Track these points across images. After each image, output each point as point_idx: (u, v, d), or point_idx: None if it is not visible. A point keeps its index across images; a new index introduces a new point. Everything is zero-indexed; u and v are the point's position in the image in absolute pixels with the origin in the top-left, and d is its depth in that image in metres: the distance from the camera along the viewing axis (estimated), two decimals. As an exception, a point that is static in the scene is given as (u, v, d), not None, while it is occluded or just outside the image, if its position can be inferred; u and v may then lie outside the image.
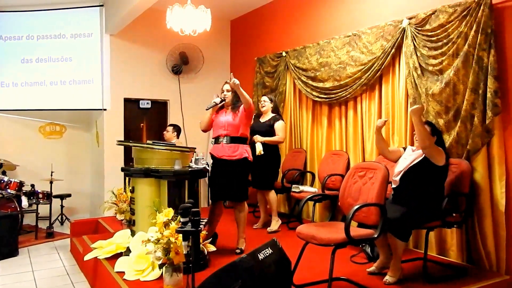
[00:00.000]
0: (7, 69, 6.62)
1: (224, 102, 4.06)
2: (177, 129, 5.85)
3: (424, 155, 3.34)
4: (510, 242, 3.52)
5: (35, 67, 6.65)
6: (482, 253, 3.63)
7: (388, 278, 3.25)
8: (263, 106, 5.06)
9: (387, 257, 3.41)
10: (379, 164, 3.20)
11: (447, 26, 3.77)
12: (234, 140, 3.98)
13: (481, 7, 3.50)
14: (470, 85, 3.60)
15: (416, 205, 3.28)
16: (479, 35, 3.51)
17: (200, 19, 4.60)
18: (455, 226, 3.60)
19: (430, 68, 3.90)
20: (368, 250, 3.84)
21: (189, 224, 2.51)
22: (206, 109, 4.03)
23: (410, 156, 3.46)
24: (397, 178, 3.46)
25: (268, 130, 4.90)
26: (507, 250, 3.53)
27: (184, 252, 2.45)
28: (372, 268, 3.47)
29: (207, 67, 7.15)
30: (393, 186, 3.51)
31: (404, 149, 3.68)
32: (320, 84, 5.19)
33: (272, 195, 4.98)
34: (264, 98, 5.11)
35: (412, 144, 3.92)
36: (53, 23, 6.64)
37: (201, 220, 2.74)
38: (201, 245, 3.64)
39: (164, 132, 5.89)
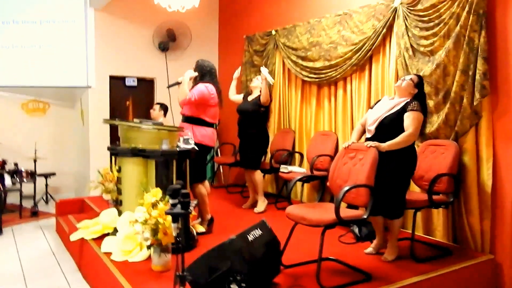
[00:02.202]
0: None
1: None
2: (164, 108, 5.75)
3: (402, 106, 3.24)
4: (495, 223, 3.58)
5: (16, 41, 6.41)
6: (468, 233, 3.69)
7: (386, 256, 3.34)
8: (252, 83, 4.97)
9: (384, 238, 3.46)
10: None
11: (439, 7, 3.72)
12: (187, 119, 4.03)
13: (474, -13, 3.46)
14: (461, 66, 3.58)
15: (392, 167, 3.17)
16: (471, 16, 3.48)
17: (189, -6, 4.49)
18: (442, 206, 3.64)
19: (422, 49, 3.87)
20: (356, 230, 3.87)
21: (179, 205, 2.48)
22: (167, 87, 4.02)
23: (386, 105, 3.33)
24: (373, 127, 3.32)
25: (254, 109, 4.81)
26: (492, 230, 3.59)
27: (174, 235, 2.42)
28: (370, 249, 3.51)
29: (195, 45, 7.00)
30: (368, 135, 3.38)
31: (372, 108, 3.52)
32: (310, 64, 5.13)
33: (258, 175, 4.94)
34: (258, 76, 4.98)
35: None
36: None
37: (190, 202, 2.70)
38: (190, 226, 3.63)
39: (151, 111, 5.79)
